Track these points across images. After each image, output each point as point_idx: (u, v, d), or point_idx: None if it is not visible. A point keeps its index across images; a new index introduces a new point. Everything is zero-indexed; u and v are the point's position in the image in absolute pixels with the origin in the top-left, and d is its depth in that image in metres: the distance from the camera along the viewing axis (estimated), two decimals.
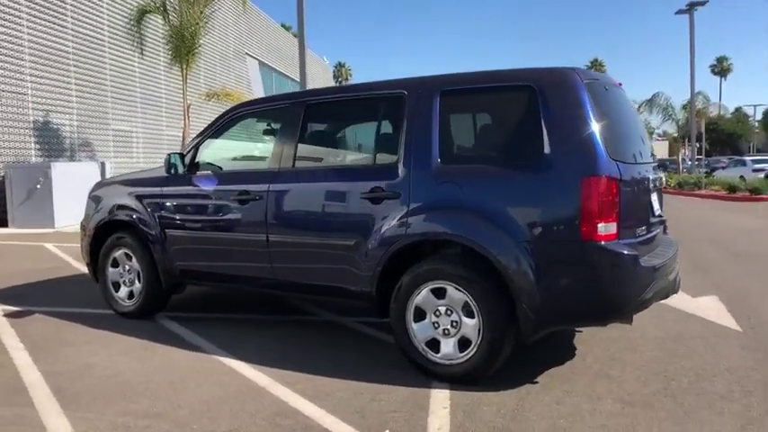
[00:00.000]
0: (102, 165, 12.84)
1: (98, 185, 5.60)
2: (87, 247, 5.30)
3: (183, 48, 11.74)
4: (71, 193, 11.89)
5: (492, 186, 3.47)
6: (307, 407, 3.29)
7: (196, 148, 4.76)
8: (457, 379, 3.55)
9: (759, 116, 68.16)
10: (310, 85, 34.76)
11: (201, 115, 21.66)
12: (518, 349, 3.67)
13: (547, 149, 3.34)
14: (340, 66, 71.76)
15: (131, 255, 5.03)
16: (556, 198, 3.31)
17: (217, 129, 4.77)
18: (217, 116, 4.83)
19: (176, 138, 18.70)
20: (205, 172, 4.72)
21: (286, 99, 4.54)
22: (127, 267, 5.10)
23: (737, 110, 69.08)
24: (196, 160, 4.76)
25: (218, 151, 4.95)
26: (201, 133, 4.84)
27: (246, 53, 25.44)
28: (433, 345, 3.65)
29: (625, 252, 3.26)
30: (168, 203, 4.78)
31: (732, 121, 61.43)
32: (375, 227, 3.76)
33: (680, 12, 22.98)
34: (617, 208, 3.27)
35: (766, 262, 7.61)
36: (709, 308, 5.25)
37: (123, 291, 5.14)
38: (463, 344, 3.56)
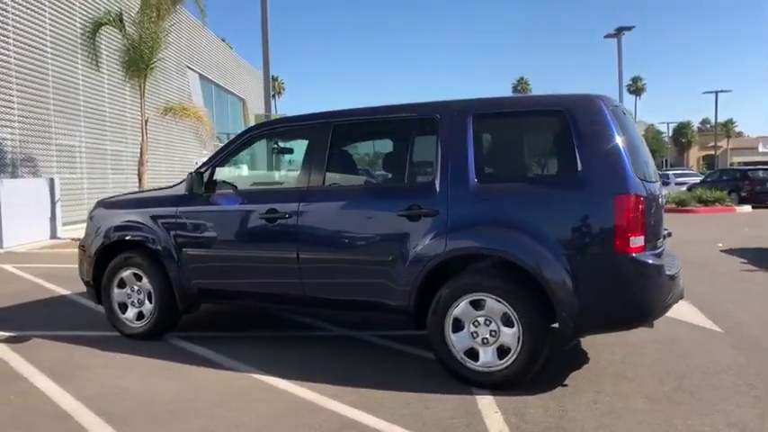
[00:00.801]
0: (52, 181, 12.27)
1: (100, 205, 5.47)
2: (90, 267, 5.16)
3: (140, 62, 11.46)
4: (19, 211, 11.32)
5: (529, 204, 3.74)
6: (367, 418, 3.41)
7: (214, 166, 4.78)
8: (497, 385, 3.77)
9: (671, 133, 73.24)
10: (249, 99, 34.41)
11: (152, 130, 21.09)
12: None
13: (579, 169, 3.65)
14: (273, 80, 71.23)
15: (141, 275, 4.95)
16: (590, 214, 3.61)
17: (235, 148, 4.81)
18: (235, 136, 4.86)
19: (120, 153, 18.08)
20: (227, 190, 4.74)
21: (311, 120, 4.65)
22: (136, 288, 5.01)
23: (650, 127, 74.05)
24: (213, 179, 4.76)
25: (232, 171, 4.99)
26: (219, 152, 4.86)
27: (187, 66, 24.93)
28: (472, 354, 3.86)
29: (653, 262, 3.60)
30: (187, 222, 4.76)
31: (647, 138, 65.65)
32: (413, 243, 3.94)
33: (609, 36, 24.54)
34: (643, 222, 3.61)
35: (713, 269, 8.29)
36: (688, 312, 5.72)
37: (131, 312, 5.04)
38: (502, 352, 3.78)
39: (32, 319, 5.78)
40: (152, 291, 4.91)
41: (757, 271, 8.10)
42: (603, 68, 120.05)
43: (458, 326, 3.88)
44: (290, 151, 5.32)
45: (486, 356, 3.81)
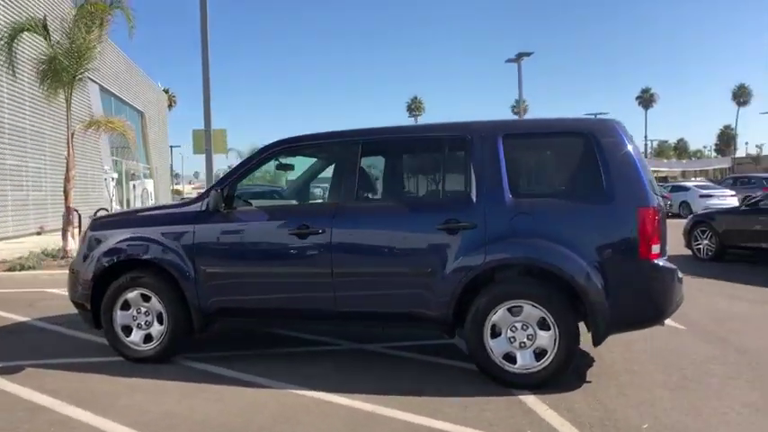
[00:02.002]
0: None
1: (96, 224, 5.17)
2: (88, 290, 4.87)
3: (68, 72, 10.74)
4: None
5: (562, 217, 4.11)
6: (437, 423, 3.58)
7: (233, 183, 4.73)
8: (536, 385, 4.08)
9: None
10: (149, 113, 32.85)
11: (53, 144, 19.58)
12: None
13: (605, 185, 4.08)
14: (165, 91, 68.38)
15: (150, 295, 4.77)
16: (616, 225, 4.05)
17: (255, 164, 4.80)
18: (253, 152, 4.84)
19: (20, 168, 16.68)
20: (249, 207, 4.71)
21: (337, 137, 4.75)
22: (143, 309, 4.81)
23: None
24: (232, 196, 4.72)
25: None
26: (237, 168, 4.82)
27: (88, 77, 23.44)
28: (509, 357, 4.14)
29: (669, 267, 4.10)
30: (206, 239, 4.66)
31: None
32: (452, 254, 4.18)
33: (510, 60, 26.23)
34: (659, 232, 4.10)
35: None
36: None
37: (137, 334, 4.82)
38: (539, 354, 4.10)
39: (6, 349, 5.32)
40: (163, 311, 4.74)
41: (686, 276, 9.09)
42: (489, 91, 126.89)
43: (495, 332, 4.16)
44: (292, 168, 5.37)
45: (525, 359, 4.11)
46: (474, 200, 4.22)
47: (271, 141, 4.83)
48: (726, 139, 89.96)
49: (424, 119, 73.02)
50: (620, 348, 5.06)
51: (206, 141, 11.15)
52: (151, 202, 22.19)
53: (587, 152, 4.18)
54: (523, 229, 4.11)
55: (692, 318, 6.21)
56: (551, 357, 4.07)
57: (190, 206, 4.87)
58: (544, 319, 4.06)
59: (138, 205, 21.46)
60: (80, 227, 12.28)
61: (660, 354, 4.98)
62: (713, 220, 10.51)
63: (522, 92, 25.85)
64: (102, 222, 5.23)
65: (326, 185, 5.40)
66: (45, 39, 10.83)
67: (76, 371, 4.64)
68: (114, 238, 4.91)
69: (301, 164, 5.42)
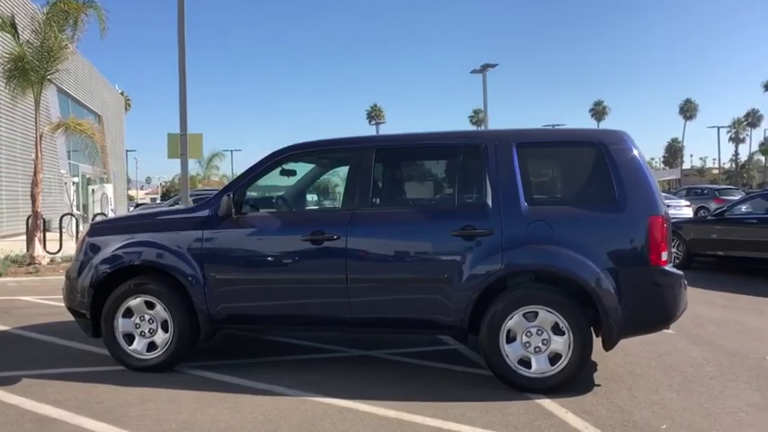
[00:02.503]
0: None
1: (97, 229, 5.00)
2: (88, 297, 4.71)
3: (38, 72, 10.35)
4: None
5: (577, 224, 4.22)
6: (465, 429, 3.61)
7: (243, 188, 4.67)
8: (551, 389, 4.16)
9: None
10: (107, 116, 31.88)
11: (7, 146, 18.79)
12: None
13: (617, 194, 4.21)
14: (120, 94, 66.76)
15: (155, 302, 4.65)
16: (628, 233, 4.18)
17: (264, 170, 4.75)
18: (263, 157, 4.79)
19: None
20: (260, 213, 4.65)
21: (351, 143, 4.75)
22: (147, 317, 4.68)
23: None
24: (242, 201, 4.66)
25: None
26: (247, 174, 4.76)
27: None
28: (523, 362, 4.22)
29: (677, 273, 4.25)
30: (215, 245, 4.58)
31: None
32: (469, 260, 4.23)
33: (475, 71, 26.67)
34: (667, 240, 4.26)
35: None
36: None
37: (140, 343, 4.68)
38: (553, 358, 4.19)
39: None
40: (169, 319, 4.62)
41: None
42: (447, 102, 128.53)
43: (510, 337, 4.22)
44: (294, 173, 5.33)
45: (539, 364, 4.19)
46: (490, 207, 4.29)
47: (282, 146, 4.79)
48: (673, 152, 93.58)
49: (386, 128, 73.38)
50: (620, 352, 5.20)
51: (182, 146, 10.92)
52: (110, 208, 21.52)
53: (599, 161, 4.30)
54: (539, 236, 4.20)
55: (677, 322, 6.42)
56: (566, 362, 4.15)
57: (196, 211, 4.78)
58: (558, 324, 4.15)
59: (98, 210, 20.77)
60: (44, 232, 11.83)
61: (657, 357, 5.15)
62: (680, 228, 10.93)
63: (486, 102, 26.33)
64: (102, 227, 5.07)
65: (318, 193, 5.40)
66: (13, 37, 10.41)
67: (77, 381, 4.47)
68: (116, 243, 4.77)
69: (303, 169, 5.40)
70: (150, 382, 4.41)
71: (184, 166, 11.10)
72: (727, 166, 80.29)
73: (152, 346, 4.69)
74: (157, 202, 44.22)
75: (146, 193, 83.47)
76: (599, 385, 4.40)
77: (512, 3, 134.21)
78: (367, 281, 4.40)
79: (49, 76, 10.78)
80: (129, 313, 4.70)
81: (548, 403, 4.02)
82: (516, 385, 4.21)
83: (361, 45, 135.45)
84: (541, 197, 4.41)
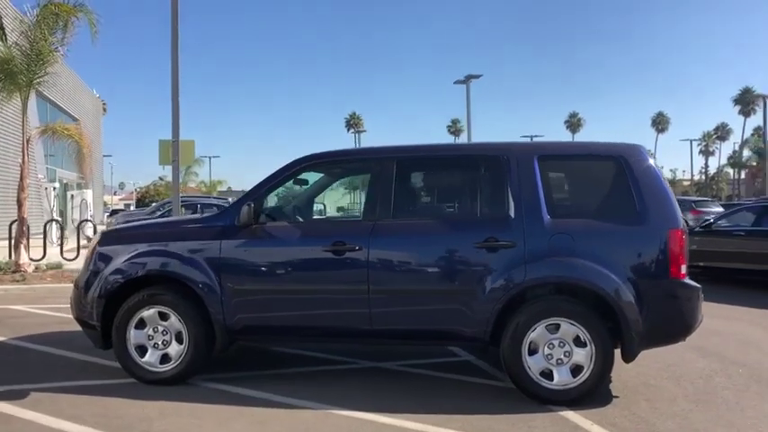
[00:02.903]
0: None
1: (110, 238, 4.89)
2: (99, 308, 4.60)
3: (26, 75, 10.12)
4: None
5: (599, 237, 4.26)
6: None
7: (262, 197, 4.62)
8: (572, 401, 4.17)
9: None
10: (85, 121, 31.29)
11: None
12: None
13: (637, 207, 4.27)
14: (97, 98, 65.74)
15: (170, 313, 4.55)
16: (649, 246, 4.23)
17: (283, 179, 4.72)
18: (281, 167, 4.74)
19: None
20: (280, 222, 4.61)
21: (372, 154, 4.74)
22: (160, 328, 4.58)
23: None
24: (261, 211, 4.60)
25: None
26: (265, 183, 4.70)
27: None
28: (545, 374, 4.23)
29: (695, 286, 4.32)
30: (234, 255, 4.51)
31: None
32: (492, 272, 4.24)
33: (458, 82, 26.89)
34: (686, 252, 4.32)
35: None
36: None
37: (153, 355, 4.58)
38: (574, 370, 4.21)
39: None
40: (183, 330, 4.53)
41: None
42: (425, 112, 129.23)
43: (531, 349, 4.23)
44: (306, 182, 5.29)
45: (561, 376, 4.20)
46: (513, 219, 4.31)
47: (301, 156, 4.76)
48: None
49: (366, 137, 73.24)
50: (632, 363, 5.25)
51: (173, 152, 10.77)
52: (90, 214, 21.10)
53: (619, 175, 4.36)
54: (562, 248, 4.22)
55: None
56: (588, 373, 4.17)
57: (212, 220, 4.72)
58: (580, 336, 4.18)
59: (77, 217, 20.36)
60: (28, 239, 11.52)
61: (667, 368, 5.20)
62: None
63: (470, 112, 26.53)
64: (114, 236, 4.96)
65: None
66: (1, 39, 10.17)
67: (89, 394, 4.36)
68: (128, 252, 4.67)
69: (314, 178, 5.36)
70: (166, 396, 4.31)
71: (176, 172, 10.94)
72: (696, 178, 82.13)
73: (165, 359, 4.59)
74: (131, 209, 43.25)
75: (119, 199, 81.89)
76: (617, 396, 4.43)
77: (490, 19, 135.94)
78: (389, 292, 4.37)
79: (38, 80, 10.51)
80: (141, 324, 4.60)
81: (571, 415, 4.03)
82: (538, 397, 4.21)
83: (339, 57, 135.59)
84: (562, 210, 4.43)
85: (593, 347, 4.15)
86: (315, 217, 5.21)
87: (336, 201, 5.58)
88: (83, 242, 14.88)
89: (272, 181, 4.73)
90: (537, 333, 4.21)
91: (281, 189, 4.88)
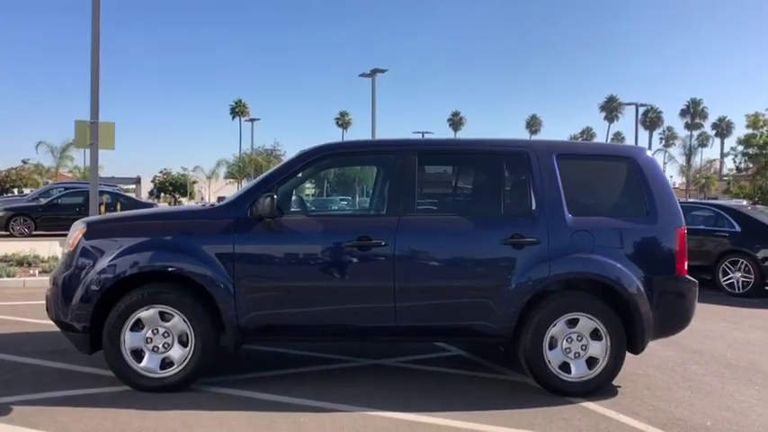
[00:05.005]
0: None
1: (99, 230, 4.30)
2: (89, 308, 4.07)
3: None
4: None
5: (618, 235, 4.45)
6: None
7: (276, 189, 4.31)
8: (588, 392, 4.35)
9: None
10: None
11: None
12: None
13: (648, 206, 4.52)
14: None
15: (172, 313, 4.14)
16: (660, 244, 4.50)
17: (297, 170, 4.44)
18: (293, 157, 4.45)
19: None
20: (298, 216, 4.33)
21: (392, 146, 4.58)
22: (161, 330, 4.14)
23: None
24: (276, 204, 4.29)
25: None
26: (278, 174, 4.40)
27: None
28: (563, 367, 4.37)
29: (695, 281, 4.65)
30: (249, 251, 4.19)
31: None
32: (518, 268, 4.29)
33: (363, 75, 26.97)
34: (686, 250, 4.65)
35: None
36: None
37: (153, 359, 4.14)
38: (590, 363, 4.38)
39: None
40: (189, 331, 4.14)
41: None
42: (316, 105, 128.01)
43: (551, 343, 4.35)
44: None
45: (579, 368, 4.36)
46: (536, 215, 4.39)
47: (313, 146, 4.50)
48: None
49: (258, 126, 70.85)
50: None
51: (92, 135, 9.75)
52: None
53: (631, 175, 4.59)
54: (583, 245, 4.37)
55: None
56: (602, 366, 4.37)
57: (220, 212, 4.35)
58: (597, 329, 4.35)
59: None
60: None
61: (641, 359, 5.35)
62: None
63: (375, 106, 26.69)
64: (104, 228, 4.39)
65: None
66: None
67: (87, 405, 3.87)
68: (122, 246, 4.17)
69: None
70: (176, 404, 3.93)
71: (94, 157, 9.92)
72: None
73: (167, 363, 4.16)
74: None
75: None
76: (620, 387, 4.67)
77: (379, 13, 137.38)
78: (415, 288, 4.29)
79: None
80: (137, 326, 4.14)
81: (593, 406, 4.20)
82: (558, 390, 4.34)
83: (226, 44, 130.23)
84: (580, 207, 4.56)
85: (609, 340, 4.35)
86: (334, 209, 4.94)
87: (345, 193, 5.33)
88: None
89: (284, 173, 4.44)
90: (557, 328, 4.33)
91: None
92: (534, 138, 44.10)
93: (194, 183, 65.86)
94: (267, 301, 4.23)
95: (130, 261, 4.11)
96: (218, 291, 4.14)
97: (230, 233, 4.21)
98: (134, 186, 49.76)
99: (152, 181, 67.47)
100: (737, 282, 9.52)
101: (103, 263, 4.13)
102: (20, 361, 4.82)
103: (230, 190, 64.64)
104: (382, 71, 26.50)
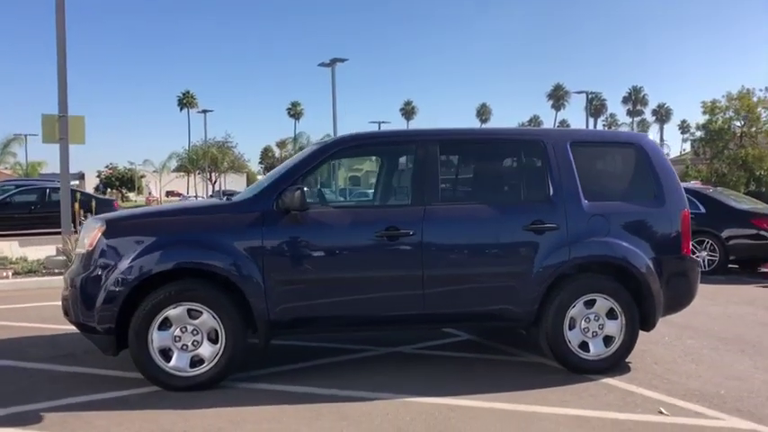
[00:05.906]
0: None
1: (118, 227, 4.17)
2: (114, 308, 3.97)
3: None
4: None
5: (630, 218, 4.65)
6: (587, 413, 3.81)
7: (301, 181, 4.30)
8: (605, 369, 4.55)
9: None
10: None
11: None
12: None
13: (655, 190, 4.74)
14: None
15: (201, 310, 4.08)
16: (668, 226, 4.73)
17: (318, 163, 4.44)
18: (314, 149, 4.44)
19: None
20: (324, 208, 4.33)
21: (413, 136, 4.63)
22: (189, 327, 4.08)
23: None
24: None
25: None
26: (300, 167, 4.38)
27: None
28: (583, 346, 4.55)
29: (698, 260, 4.91)
30: (279, 244, 4.17)
31: None
32: (540, 253, 4.44)
33: (323, 64, 26.73)
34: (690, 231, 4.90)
35: None
36: None
37: (182, 358, 4.07)
38: (607, 341, 4.58)
39: None
40: (219, 328, 4.10)
41: None
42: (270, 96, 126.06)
43: (570, 324, 4.52)
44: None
45: (597, 347, 4.56)
46: (555, 202, 4.53)
47: (334, 138, 4.50)
48: None
49: (212, 117, 68.99)
50: None
51: (61, 129, 9.37)
52: None
53: (639, 160, 4.80)
54: (599, 229, 4.55)
55: None
56: (618, 343, 4.57)
57: (245, 206, 4.31)
58: (613, 309, 4.55)
59: None
60: None
61: (642, 335, 5.70)
62: None
63: (335, 96, 26.53)
64: (125, 226, 4.27)
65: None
66: None
67: (122, 408, 3.78)
68: (145, 244, 4.08)
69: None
70: (214, 402, 3.89)
71: (64, 153, 9.53)
72: None
73: (197, 361, 4.11)
74: None
75: None
76: (630, 362, 4.89)
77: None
78: (442, 275, 4.37)
79: None
80: (165, 324, 4.06)
81: (614, 382, 4.40)
82: (579, 368, 4.52)
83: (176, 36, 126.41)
84: (594, 193, 4.73)
85: (624, 319, 4.55)
86: (360, 200, 4.96)
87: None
88: None
89: (309, 164, 4.43)
90: (576, 309, 4.51)
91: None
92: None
93: (142, 177, 63.87)
94: (298, 293, 4.22)
95: (157, 258, 4.03)
96: (248, 285, 4.10)
97: (258, 227, 4.18)
98: (77, 182, 47.95)
99: (97, 176, 65.13)
100: (704, 260, 10.00)
101: (127, 261, 4.03)
102: (29, 367, 4.64)
103: (179, 184, 63.06)
104: (342, 60, 26.34)
